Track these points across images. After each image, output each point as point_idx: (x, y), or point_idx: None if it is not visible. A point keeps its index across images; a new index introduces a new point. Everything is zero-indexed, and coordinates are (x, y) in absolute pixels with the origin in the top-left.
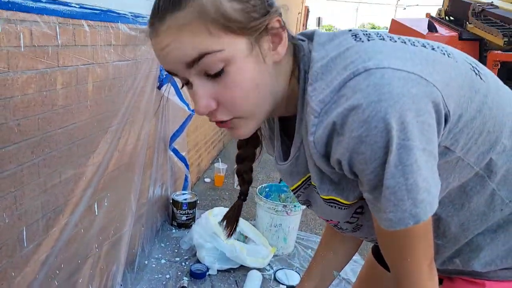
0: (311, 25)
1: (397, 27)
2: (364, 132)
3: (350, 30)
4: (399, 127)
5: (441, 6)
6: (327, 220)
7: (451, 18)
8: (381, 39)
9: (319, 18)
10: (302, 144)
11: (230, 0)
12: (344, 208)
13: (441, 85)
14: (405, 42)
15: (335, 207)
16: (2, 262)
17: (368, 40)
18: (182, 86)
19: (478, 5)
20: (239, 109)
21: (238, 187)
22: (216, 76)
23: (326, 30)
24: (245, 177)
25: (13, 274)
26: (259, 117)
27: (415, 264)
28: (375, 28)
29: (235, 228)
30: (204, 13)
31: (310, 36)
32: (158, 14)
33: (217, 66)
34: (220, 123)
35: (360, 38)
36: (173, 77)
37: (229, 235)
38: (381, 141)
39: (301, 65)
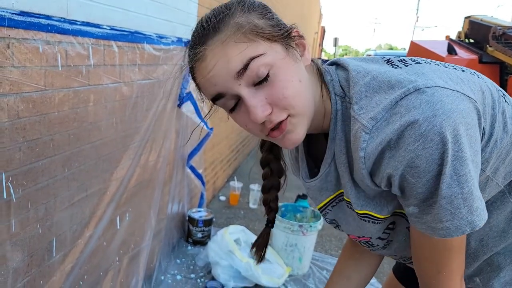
0: (328, 45)
1: (416, 49)
2: (420, 146)
3: (383, 57)
4: (453, 140)
5: (460, 29)
6: (359, 237)
7: (471, 40)
8: (417, 63)
9: (335, 38)
10: (334, 160)
11: (259, 18)
12: (378, 223)
13: (479, 102)
14: (438, 65)
15: (368, 221)
16: (31, 271)
17: (405, 65)
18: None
19: (499, 29)
20: (293, 104)
21: (254, 206)
22: (263, 82)
23: (342, 50)
24: (272, 206)
25: (41, 282)
26: (309, 116)
27: (449, 278)
28: (392, 49)
29: (264, 255)
30: (241, 27)
31: (337, 63)
32: (201, 40)
33: (263, 71)
34: (274, 131)
35: (396, 64)
36: (220, 105)
37: (259, 261)
38: (437, 153)
39: (330, 87)
